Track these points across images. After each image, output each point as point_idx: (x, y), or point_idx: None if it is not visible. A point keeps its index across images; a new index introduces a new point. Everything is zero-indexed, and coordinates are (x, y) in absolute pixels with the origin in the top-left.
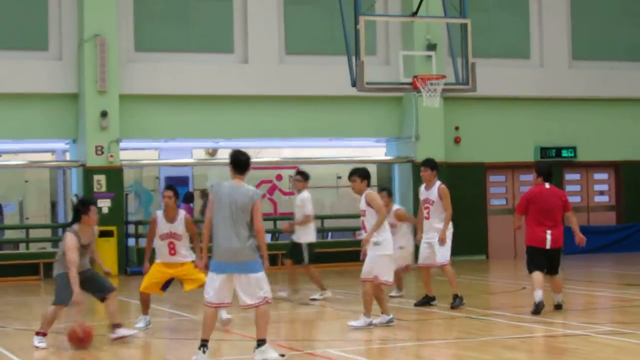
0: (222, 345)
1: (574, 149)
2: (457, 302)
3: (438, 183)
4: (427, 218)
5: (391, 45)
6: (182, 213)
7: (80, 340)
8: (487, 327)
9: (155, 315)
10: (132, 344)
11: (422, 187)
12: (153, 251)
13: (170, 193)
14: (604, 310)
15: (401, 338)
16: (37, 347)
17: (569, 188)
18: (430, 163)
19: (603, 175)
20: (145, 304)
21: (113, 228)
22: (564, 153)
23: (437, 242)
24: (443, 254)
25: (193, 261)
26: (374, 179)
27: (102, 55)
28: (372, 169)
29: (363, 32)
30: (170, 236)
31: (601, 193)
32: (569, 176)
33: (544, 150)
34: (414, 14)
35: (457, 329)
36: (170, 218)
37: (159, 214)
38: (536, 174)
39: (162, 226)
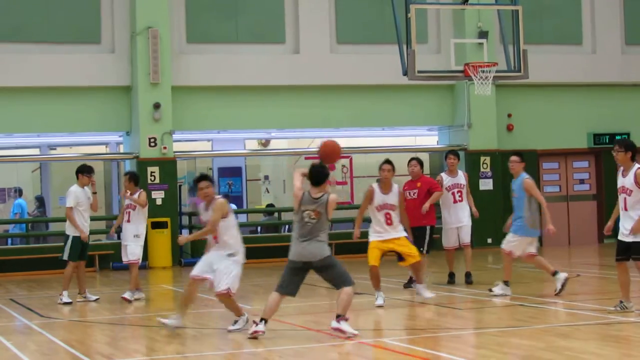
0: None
1: (627, 134)
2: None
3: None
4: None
5: (442, 33)
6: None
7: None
8: (541, 314)
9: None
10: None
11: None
12: None
13: (389, 167)
14: None
15: (454, 327)
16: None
17: None
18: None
19: None
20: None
21: (167, 219)
22: (618, 139)
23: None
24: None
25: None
26: (426, 168)
27: (155, 48)
28: (425, 158)
29: (414, 20)
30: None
31: None
32: None
33: (597, 137)
34: (465, 1)
35: (511, 317)
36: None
37: (375, 186)
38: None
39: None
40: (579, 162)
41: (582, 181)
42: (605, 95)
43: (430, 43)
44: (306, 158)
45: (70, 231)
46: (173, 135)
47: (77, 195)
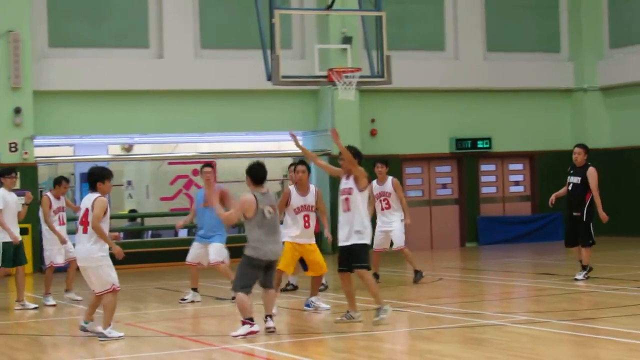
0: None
1: (489, 139)
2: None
3: None
4: None
5: (306, 39)
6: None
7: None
8: (404, 318)
9: None
10: None
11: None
12: None
13: (303, 167)
14: (519, 300)
15: (319, 331)
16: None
17: (484, 179)
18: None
19: (518, 166)
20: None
21: (28, 226)
22: (479, 144)
23: None
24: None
25: None
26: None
27: (16, 52)
28: (289, 162)
29: (278, 25)
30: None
31: (516, 183)
32: (484, 167)
33: (459, 142)
34: (329, 7)
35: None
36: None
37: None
38: None
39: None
40: (442, 166)
41: (444, 185)
42: (467, 100)
43: (294, 48)
44: (169, 163)
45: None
46: (34, 140)
47: (4, 198)
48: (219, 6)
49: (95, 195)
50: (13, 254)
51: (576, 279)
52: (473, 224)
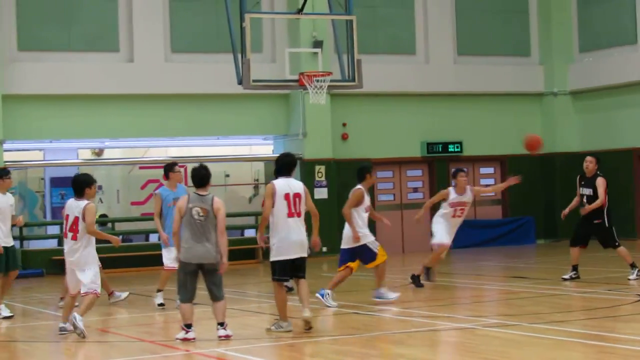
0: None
1: (460, 143)
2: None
3: None
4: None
5: (277, 43)
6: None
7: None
8: (374, 322)
9: None
10: None
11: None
12: None
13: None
14: (490, 303)
15: (290, 335)
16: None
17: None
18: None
19: (489, 170)
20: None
21: None
22: (450, 148)
23: None
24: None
25: None
26: (261, 176)
27: None
28: (260, 167)
29: (249, 29)
30: None
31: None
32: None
33: (430, 146)
34: (300, 11)
35: (345, 325)
36: None
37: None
38: None
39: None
40: (413, 170)
41: (415, 189)
42: (438, 104)
43: (265, 52)
44: (140, 168)
45: None
46: (4, 144)
47: None
48: (190, 10)
49: (84, 202)
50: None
51: (629, 279)
52: None
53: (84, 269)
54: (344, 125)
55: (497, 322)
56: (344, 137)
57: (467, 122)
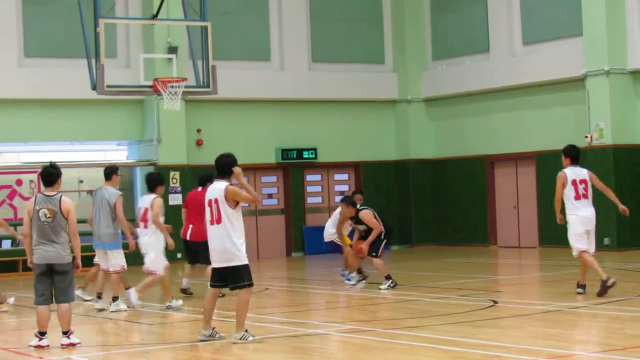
0: None
1: (314, 150)
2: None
3: None
4: None
5: (132, 48)
6: None
7: None
8: (230, 328)
9: None
10: None
11: None
12: None
13: None
14: (344, 309)
15: (145, 342)
16: None
17: (310, 189)
18: None
19: (343, 176)
20: None
21: None
22: (305, 154)
23: None
24: None
25: None
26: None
27: None
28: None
29: (103, 34)
30: None
31: (342, 193)
32: (310, 177)
33: (285, 152)
34: (154, 16)
35: (196, 332)
36: None
37: None
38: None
39: None
40: (268, 176)
41: (270, 195)
42: (293, 111)
43: (119, 58)
44: None
45: None
46: None
47: None
48: (43, 14)
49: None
50: None
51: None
52: (299, 233)
53: None
54: (199, 131)
55: (351, 327)
56: (199, 143)
57: (322, 129)
